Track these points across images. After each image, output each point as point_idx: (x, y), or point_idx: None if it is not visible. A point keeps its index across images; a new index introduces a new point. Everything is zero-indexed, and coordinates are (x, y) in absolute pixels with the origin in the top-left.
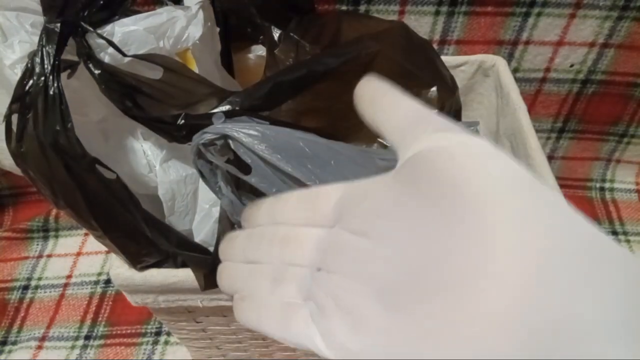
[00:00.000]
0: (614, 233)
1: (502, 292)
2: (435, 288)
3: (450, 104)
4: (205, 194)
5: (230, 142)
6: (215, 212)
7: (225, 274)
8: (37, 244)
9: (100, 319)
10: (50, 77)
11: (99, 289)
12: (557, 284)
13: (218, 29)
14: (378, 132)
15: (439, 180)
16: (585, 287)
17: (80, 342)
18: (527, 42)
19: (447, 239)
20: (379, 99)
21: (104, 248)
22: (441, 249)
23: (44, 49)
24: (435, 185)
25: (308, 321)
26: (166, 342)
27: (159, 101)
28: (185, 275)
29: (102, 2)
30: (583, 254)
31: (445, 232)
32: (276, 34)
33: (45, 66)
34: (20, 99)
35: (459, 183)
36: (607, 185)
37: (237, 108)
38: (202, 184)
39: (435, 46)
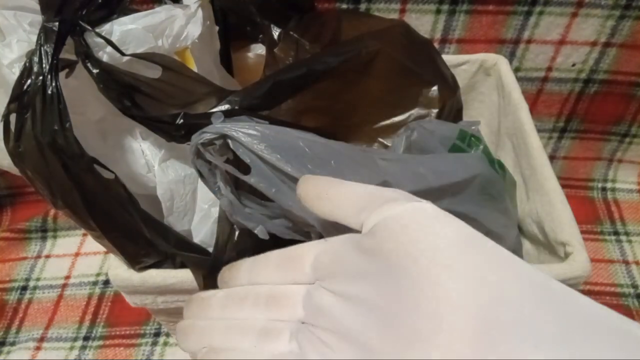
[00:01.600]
0: (616, 233)
1: (452, 346)
2: (397, 346)
3: (451, 103)
4: (204, 194)
5: (230, 141)
6: (214, 212)
7: (197, 331)
8: (36, 245)
9: (98, 319)
10: (49, 77)
11: (97, 290)
12: (499, 336)
13: (217, 28)
14: (335, 221)
15: (393, 248)
16: (524, 332)
17: (79, 343)
18: (529, 41)
19: (405, 301)
20: (324, 194)
21: (102, 248)
22: (400, 310)
23: (42, 48)
24: (390, 252)
25: None
26: (165, 343)
27: (158, 100)
28: (184, 276)
29: (100, 0)
30: (521, 303)
31: (402, 295)
32: (276, 32)
33: (44, 65)
34: (18, 98)
35: (409, 249)
36: (609, 185)
37: (236, 107)
38: (201, 184)
39: (436, 45)
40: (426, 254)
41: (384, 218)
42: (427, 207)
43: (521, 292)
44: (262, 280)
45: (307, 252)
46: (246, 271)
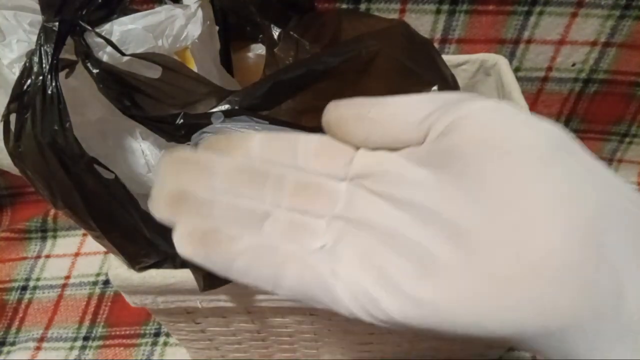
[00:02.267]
0: None
1: (553, 250)
2: (484, 248)
3: None
4: None
5: None
6: None
7: (194, 203)
8: (36, 245)
9: (98, 319)
10: (49, 77)
11: (97, 290)
12: (608, 245)
13: (217, 28)
14: (377, 143)
15: (471, 146)
16: (637, 253)
17: (79, 343)
18: (529, 41)
19: (485, 205)
20: (366, 112)
21: (102, 248)
22: (488, 207)
23: (42, 48)
24: (468, 151)
25: (326, 269)
26: (165, 343)
27: (158, 100)
28: (184, 276)
29: (100, 0)
30: (636, 220)
31: (482, 198)
32: (276, 32)
33: (44, 65)
34: (18, 98)
35: (493, 147)
36: None
37: (236, 107)
38: None
39: (436, 45)
40: (514, 151)
41: (458, 117)
42: (509, 106)
43: (622, 204)
44: (282, 163)
45: (348, 146)
46: (258, 147)
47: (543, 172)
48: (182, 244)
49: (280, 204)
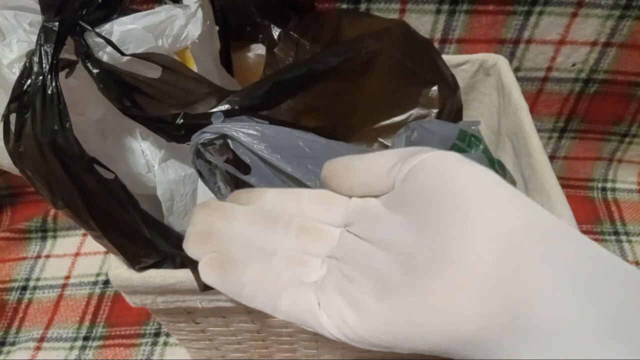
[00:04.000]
0: (616, 233)
1: (477, 267)
2: (425, 270)
3: (451, 103)
4: (204, 194)
5: (230, 141)
6: None
7: (216, 238)
8: (36, 245)
9: (98, 319)
10: (49, 77)
11: (97, 290)
12: (522, 260)
13: (217, 28)
14: (361, 191)
15: (424, 186)
16: (546, 265)
17: (79, 343)
18: (529, 41)
19: (436, 229)
20: (350, 166)
21: (102, 249)
22: (431, 237)
23: (42, 48)
24: (421, 191)
25: (314, 299)
26: (165, 343)
27: (158, 100)
28: (184, 276)
29: (100, 0)
30: (547, 238)
31: (434, 224)
32: (276, 32)
33: (44, 65)
34: (18, 98)
35: (440, 185)
36: (609, 185)
37: (236, 107)
38: (201, 184)
39: (436, 45)
40: (457, 188)
41: (415, 165)
42: (455, 154)
43: (550, 229)
44: (294, 212)
45: (343, 198)
46: (271, 199)
47: (472, 204)
48: (205, 271)
49: (287, 245)
